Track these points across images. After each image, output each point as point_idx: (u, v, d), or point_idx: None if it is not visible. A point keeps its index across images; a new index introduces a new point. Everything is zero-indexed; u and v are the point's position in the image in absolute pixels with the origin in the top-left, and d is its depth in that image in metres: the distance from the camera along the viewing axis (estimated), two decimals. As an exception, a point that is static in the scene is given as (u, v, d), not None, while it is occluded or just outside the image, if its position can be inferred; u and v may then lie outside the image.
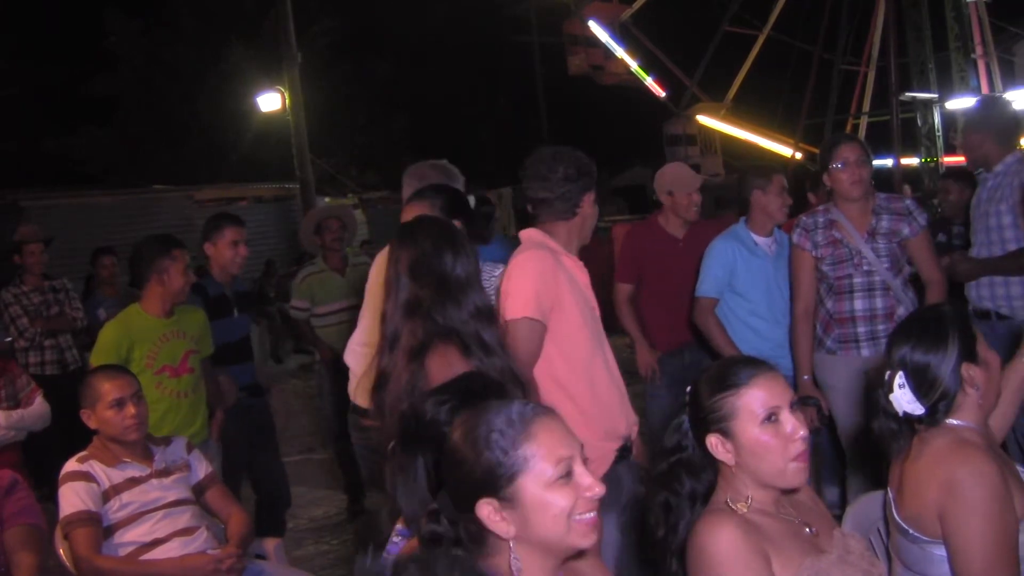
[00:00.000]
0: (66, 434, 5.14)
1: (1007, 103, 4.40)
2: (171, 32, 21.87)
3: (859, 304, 3.45)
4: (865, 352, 3.43)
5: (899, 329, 2.07)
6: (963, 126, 3.95)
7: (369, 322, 3.06)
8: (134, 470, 2.90)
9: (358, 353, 3.05)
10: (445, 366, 2.12)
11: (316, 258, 5.28)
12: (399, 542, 1.81)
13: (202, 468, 3.11)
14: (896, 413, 1.96)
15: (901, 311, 3.41)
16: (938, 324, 1.95)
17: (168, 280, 3.60)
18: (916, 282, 3.59)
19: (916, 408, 1.93)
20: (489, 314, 2.30)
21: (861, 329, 3.45)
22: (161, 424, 3.43)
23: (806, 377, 3.56)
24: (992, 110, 3.99)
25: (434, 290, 2.22)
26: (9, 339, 5.71)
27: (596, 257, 3.85)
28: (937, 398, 1.92)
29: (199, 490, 3.06)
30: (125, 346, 3.53)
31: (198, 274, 4.04)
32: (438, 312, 2.21)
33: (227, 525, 3.04)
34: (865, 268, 3.45)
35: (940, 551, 1.87)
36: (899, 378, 1.94)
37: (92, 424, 2.94)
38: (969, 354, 1.93)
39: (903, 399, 1.94)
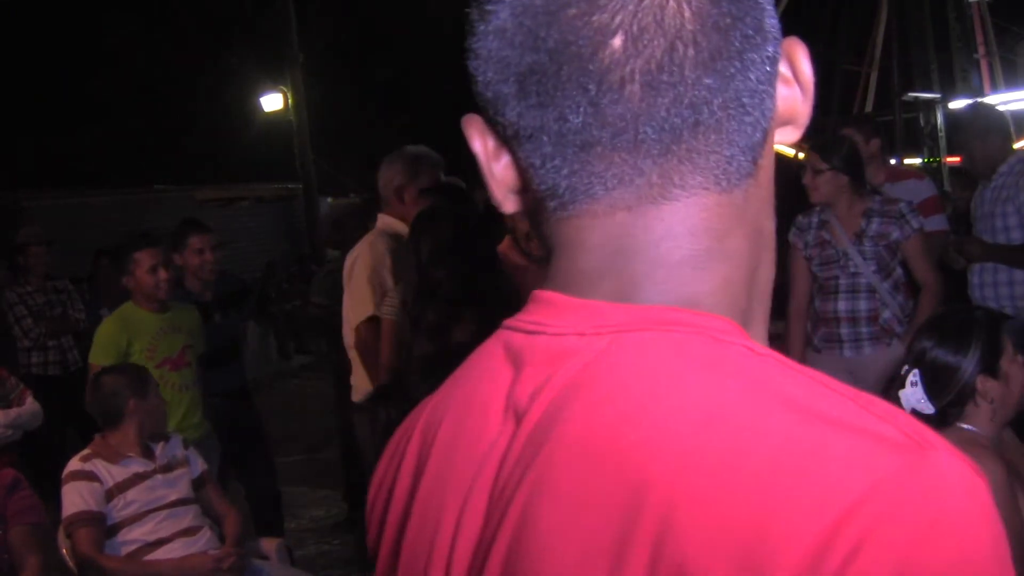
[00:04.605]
0: (67, 433, 5.18)
1: (993, 108, 4.40)
2: (171, 32, 21.85)
3: (843, 305, 3.45)
4: (847, 353, 3.44)
5: (927, 323, 2.06)
6: (960, 137, 3.93)
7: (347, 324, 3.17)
8: (138, 466, 2.91)
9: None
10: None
11: None
12: None
13: (198, 465, 3.13)
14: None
15: (887, 315, 3.41)
16: (965, 328, 1.92)
17: (134, 281, 3.60)
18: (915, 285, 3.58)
19: (926, 407, 1.91)
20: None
21: (844, 330, 3.45)
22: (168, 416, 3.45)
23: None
24: (980, 115, 3.97)
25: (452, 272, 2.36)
26: None
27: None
28: (948, 403, 1.90)
29: (195, 487, 3.08)
30: (124, 339, 3.54)
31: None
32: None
33: (222, 524, 3.06)
34: (851, 270, 3.44)
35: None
36: (913, 375, 1.92)
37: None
38: (989, 366, 1.89)
39: (913, 397, 1.92)
